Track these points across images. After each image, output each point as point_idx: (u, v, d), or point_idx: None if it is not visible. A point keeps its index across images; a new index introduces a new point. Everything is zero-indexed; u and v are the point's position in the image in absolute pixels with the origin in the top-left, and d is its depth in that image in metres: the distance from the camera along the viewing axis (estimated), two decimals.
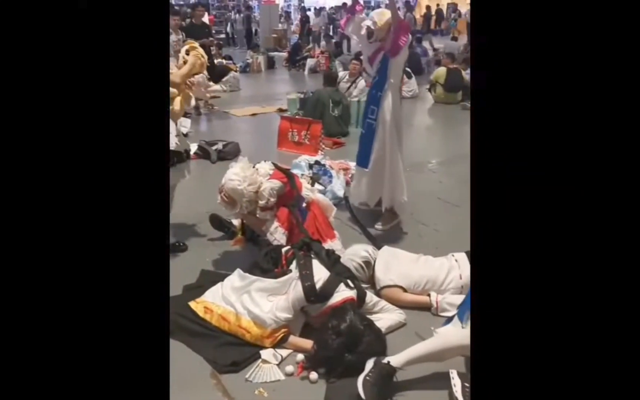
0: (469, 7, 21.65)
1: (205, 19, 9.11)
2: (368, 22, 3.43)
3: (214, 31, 11.46)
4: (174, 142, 3.15)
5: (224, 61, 11.06)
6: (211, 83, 8.00)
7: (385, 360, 2.04)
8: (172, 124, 3.16)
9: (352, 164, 4.50)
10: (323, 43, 13.51)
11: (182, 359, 2.33)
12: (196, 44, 3.32)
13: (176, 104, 3.21)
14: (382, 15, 3.38)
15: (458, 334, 2.11)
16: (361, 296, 2.47)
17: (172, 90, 3.15)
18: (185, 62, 3.22)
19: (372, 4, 22.43)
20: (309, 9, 20.56)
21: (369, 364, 2.05)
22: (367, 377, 2.00)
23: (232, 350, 2.35)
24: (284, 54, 14.01)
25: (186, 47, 3.29)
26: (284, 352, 2.34)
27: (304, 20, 17.88)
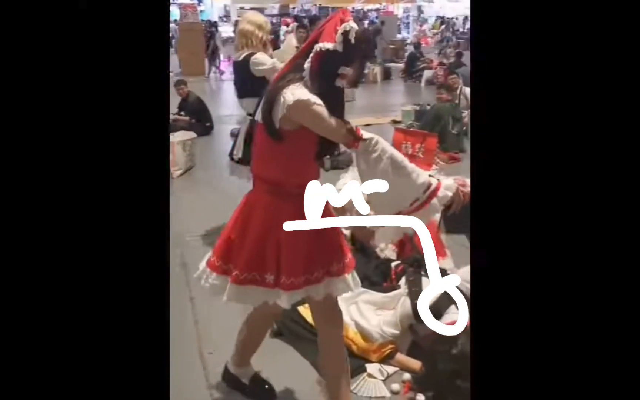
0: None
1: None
2: None
3: None
4: None
5: None
6: None
7: None
8: None
9: (468, 181, 4.31)
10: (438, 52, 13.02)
11: (291, 362, 2.39)
12: None
13: None
14: None
15: None
16: None
17: None
18: None
19: None
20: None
21: None
22: None
23: None
24: (401, 65, 13.89)
25: None
26: (390, 369, 2.31)
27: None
